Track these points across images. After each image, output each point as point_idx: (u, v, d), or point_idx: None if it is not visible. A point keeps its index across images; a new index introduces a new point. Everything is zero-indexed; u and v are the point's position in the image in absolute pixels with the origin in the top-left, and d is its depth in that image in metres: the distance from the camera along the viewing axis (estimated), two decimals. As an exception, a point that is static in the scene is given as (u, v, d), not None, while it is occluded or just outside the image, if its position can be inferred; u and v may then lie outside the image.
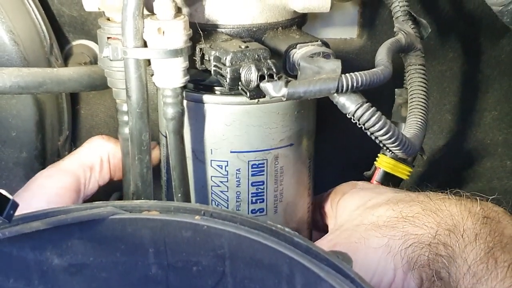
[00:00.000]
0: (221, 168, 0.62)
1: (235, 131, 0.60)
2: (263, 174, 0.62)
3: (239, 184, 0.62)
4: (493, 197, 0.57)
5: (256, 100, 0.56)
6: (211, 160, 0.62)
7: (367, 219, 0.58)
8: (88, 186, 0.64)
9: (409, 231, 0.54)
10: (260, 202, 0.63)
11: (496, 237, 0.52)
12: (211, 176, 0.62)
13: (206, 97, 0.59)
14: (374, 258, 0.54)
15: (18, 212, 0.45)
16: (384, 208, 0.58)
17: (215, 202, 0.63)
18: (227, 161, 0.61)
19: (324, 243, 0.58)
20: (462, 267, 0.51)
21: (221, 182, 0.62)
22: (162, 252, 0.46)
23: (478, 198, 0.56)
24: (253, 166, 0.61)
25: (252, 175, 0.61)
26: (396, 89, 0.69)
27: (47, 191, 0.61)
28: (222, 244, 0.44)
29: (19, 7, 0.66)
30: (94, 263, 0.46)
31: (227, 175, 0.62)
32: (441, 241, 0.53)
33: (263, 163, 0.61)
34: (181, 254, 0.45)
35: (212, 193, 0.63)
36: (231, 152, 0.61)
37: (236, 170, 0.61)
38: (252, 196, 0.62)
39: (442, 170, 0.81)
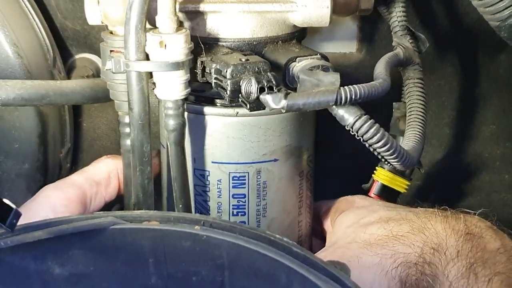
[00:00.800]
0: (203, 177, 0.62)
1: (216, 142, 0.60)
2: (244, 187, 0.62)
3: (220, 195, 0.62)
4: (479, 211, 0.58)
5: (236, 112, 0.58)
6: (194, 169, 0.62)
7: (359, 236, 0.58)
8: (94, 201, 0.65)
9: (399, 250, 0.55)
10: (241, 215, 0.63)
11: (477, 252, 0.53)
12: (194, 185, 0.63)
13: (189, 107, 0.60)
14: (368, 276, 0.55)
15: (25, 221, 0.46)
16: (376, 226, 0.59)
17: (198, 211, 0.63)
18: (209, 171, 0.62)
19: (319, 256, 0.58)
20: (444, 283, 0.52)
21: (203, 191, 0.63)
22: (162, 262, 0.46)
23: (463, 214, 0.57)
24: (234, 178, 0.61)
25: (233, 187, 0.62)
26: (394, 103, 0.70)
27: (53, 201, 0.61)
28: (221, 254, 0.44)
29: (23, 20, 0.67)
30: (95, 273, 0.47)
31: (208, 185, 0.62)
32: (426, 260, 0.53)
33: (244, 176, 0.61)
34: (181, 264, 0.46)
35: (195, 201, 0.63)
36: (212, 162, 0.61)
37: (217, 180, 0.62)
38: (233, 208, 0.62)
39: (440, 184, 0.81)
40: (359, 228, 0.60)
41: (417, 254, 0.54)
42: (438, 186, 0.68)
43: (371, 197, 0.70)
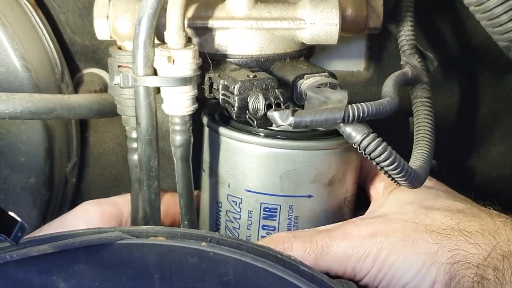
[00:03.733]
0: (236, 204, 0.62)
1: (251, 170, 0.60)
2: (275, 220, 0.61)
3: (250, 225, 0.62)
4: None
5: (271, 142, 0.59)
6: (228, 195, 0.62)
7: (419, 218, 0.56)
8: (129, 222, 0.65)
9: (461, 247, 0.53)
10: None
11: None
12: (227, 211, 0.63)
13: (226, 132, 0.60)
14: (417, 262, 0.53)
15: (61, 229, 0.46)
16: (441, 214, 0.56)
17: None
18: (241, 199, 0.62)
19: (364, 226, 0.56)
20: None
21: (234, 218, 0.63)
22: (167, 278, 0.46)
23: None
24: (266, 209, 0.61)
25: (264, 218, 0.61)
26: (410, 118, 0.70)
27: (90, 214, 0.62)
28: (228, 271, 0.44)
29: (32, 34, 0.67)
30: (100, 288, 0.46)
31: (240, 212, 0.62)
32: (492, 265, 0.51)
33: (276, 209, 0.61)
34: (187, 281, 0.46)
35: (226, 227, 0.63)
36: (245, 190, 0.61)
37: (249, 210, 0.62)
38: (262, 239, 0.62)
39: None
40: (421, 209, 0.58)
41: (483, 256, 0.52)
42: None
43: None
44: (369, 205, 0.64)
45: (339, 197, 0.63)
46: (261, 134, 0.60)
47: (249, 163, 0.60)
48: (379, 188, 0.65)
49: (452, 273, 0.52)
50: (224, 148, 0.61)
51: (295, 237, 0.56)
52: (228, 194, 0.62)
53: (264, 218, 0.61)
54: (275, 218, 0.61)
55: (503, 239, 0.53)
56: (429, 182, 0.63)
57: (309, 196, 0.61)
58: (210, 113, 0.64)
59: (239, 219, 0.62)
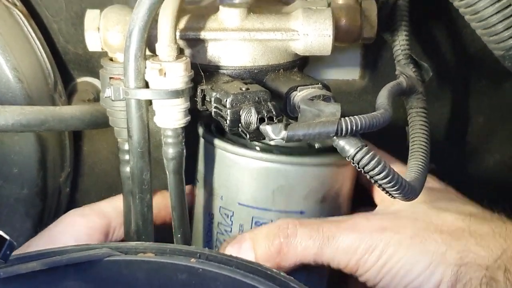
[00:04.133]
0: (227, 217, 0.62)
1: (243, 184, 0.60)
2: None
3: None
4: None
5: (264, 157, 0.59)
6: (220, 207, 0.62)
7: (430, 218, 0.56)
8: (118, 231, 0.64)
9: (471, 249, 0.52)
10: None
11: None
12: (218, 223, 0.63)
13: (220, 144, 0.60)
14: (424, 261, 0.53)
15: (47, 246, 0.45)
16: (453, 215, 0.56)
17: (218, 248, 0.63)
18: (233, 212, 0.61)
19: (373, 220, 0.56)
20: None
21: (225, 230, 0.62)
22: (157, 295, 0.45)
23: None
24: (257, 223, 0.61)
25: None
26: (406, 127, 0.69)
27: (77, 229, 0.61)
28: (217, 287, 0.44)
29: (24, 45, 0.67)
30: (89, 305, 0.46)
31: (231, 225, 0.62)
32: (502, 266, 0.51)
33: (267, 223, 0.61)
34: (176, 297, 0.45)
35: (216, 239, 0.63)
36: (238, 203, 0.61)
37: (240, 223, 0.61)
38: None
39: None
40: (432, 210, 0.57)
41: (493, 259, 0.51)
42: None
43: None
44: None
45: (332, 214, 0.62)
46: (255, 148, 0.60)
47: (242, 176, 0.60)
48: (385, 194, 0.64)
49: (459, 275, 0.52)
50: (218, 160, 0.61)
51: (301, 224, 0.56)
52: (220, 206, 0.62)
53: None
54: None
55: None
56: (441, 185, 0.63)
57: (301, 212, 0.61)
58: (207, 123, 0.64)
59: (230, 232, 0.62)
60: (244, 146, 0.60)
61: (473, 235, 0.53)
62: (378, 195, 0.65)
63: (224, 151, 0.61)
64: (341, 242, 0.55)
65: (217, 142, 0.61)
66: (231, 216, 0.62)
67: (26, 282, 0.44)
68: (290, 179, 0.59)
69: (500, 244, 0.52)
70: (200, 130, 0.63)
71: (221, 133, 0.62)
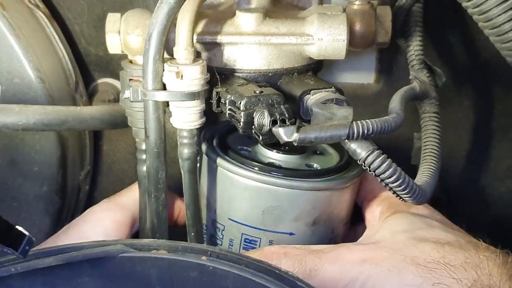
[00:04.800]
0: (219, 230, 0.63)
1: (235, 200, 0.61)
2: None
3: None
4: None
5: (257, 177, 0.59)
6: (213, 220, 0.63)
7: (408, 249, 0.56)
8: (138, 224, 0.66)
9: (444, 281, 0.53)
10: None
11: None
12: (210, 235, 0.64)
13: (222, 161, 0.61)
14: None
15: (78, 240, 0.47)
16: (430, 246, 0.56)
17: None
18: (224, 226, 0.62)
19: (355, 252, 0.56)
20: None
21: (217, 244, 0.63)
22: (169, 291, 0.47)
23: None
24: (246, 240, 0.61)
25: (244, 248, 0.62)
26: (415, 133, 0.70)
27: (105, 224, 0.63)
28: (227, 285, 0.45)
29: (46, 46, 0.69)
30: (103, 300, 0.47)
31: (222, 238, 0.63)
32: None
33: (256, 241, 0.61)
34: (188, 294, 0.46)
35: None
36: (229, 218, 0.62)
37: (230, 238, 0.62)
38: None
39: (455, 217, 0.81)
40: (411, 241, 0.57)
41: None
42: (453, 220, 0.67)
43: None
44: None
45: (323, 238, 0.63)
46: (250, 166, 0.60)
47: (234, 193, 0.61)
48: (376, 213, 0.65)
49: None
50: (212, 173, 0.62)
51: (286, 254, 0.56)
52: (213, 219, 0.63)
53: (244, 248, 0.62)
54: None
55: (484, 273, 0.53)
56: (426, 210, 0.64)
57: (291, 234, 0.61)
58: (210, 136, 0.65)
59: (221, 245, 0.63)
60: (237, 163, 0.60)
61: (447, 267, 0.54)
62: (368, 217, 0.66)
63: (220, 166, 0.61)
64: (323, 274, 0.55)
65: (214, 156, 0.62)
66: (222, 230, 0.63)
67: (42, 277, 0.46)
68: (281, 201, 0.60)
69: (472, 276, 0.53)
70: (203, 142, 0.64)
71: (223, 148, 0.63)
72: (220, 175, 0.61)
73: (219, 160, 0.61)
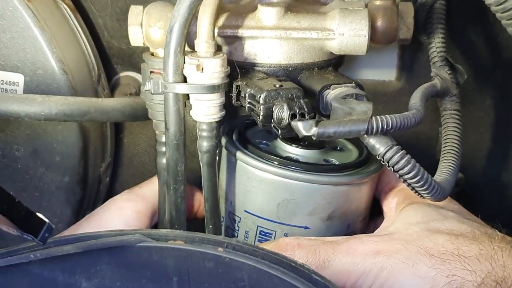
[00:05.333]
0: (234, 222, 0.63)
1: (251, 192, 0.61)
2: None
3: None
4: None
5: (273, 170, 0.59)
6: (229, 211, 0.64)
7: (422, 241, 0.56)
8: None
9: (458, 273, 0.53)
10: None
11: None
12: (226, 227, 0.64)
13: (238, 153, 0.61)
14: (415, 285, 0.53)
15: (98, 229, 0.48)
16: (444, 237, 0.56)
17: None
18: (240, 218, 0.63)
19: (368, 244, 0.56)
20: None
21: (232, 235, 0.64)
22: (185, 281, 0.47)
23: None
24: (261, 232, 0.62)
25: (259, 240, 0.62)
26: (440, 128, 0.69)
27: (126, 214, 0.64)
28: (243, 277, 0.45)
29: (70, 38, 0.70)
30: (121, 288, 0.48)
31: (237, 230, 0.63)
32: None
33: (271, 234, 0.61)
34: (203, 285, 0.47)
35: None
36: (244, 210, 0.62)
37: (246, 230, 0.62)
38: None
39: (476, 215, 0.80)
40: (425, 232, 0.57)
41: (477, 283, 0.52)
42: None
43: None
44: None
45: (338, 233, 0.62)
46: (263, 159, 0.60)
47: (250, 185, 0.61)
48: (392, 204, 0.65)
49: None
50: (229, 166, 0.63)
51: (300, 245, 0.56)
52: (229, 211, 0.64)
53: (259, 240, 0.62)
54: None
55: (498, 265, 0.53)
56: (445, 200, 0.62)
57: (306, 228, 0.61)
58: (230, 129, 0.65)
59: (237, 237, 0.63)
60: (254, 156, 0.61)
61: (461, 258, 0.54)
62: (385, 209, 0.66)
63: (237, 158, 0.61)
64: (336, 266, 0.55)
65: (231, 149, 0.62)
66: (238, 222, 0.63)
67: (61, 264, 0.46)
68: (296, 195, 0.60)
69: (486, 267, 0.53)
70: (222, 135, 0.64)
71: (242, 142, 0.63)
72: (237, 167, 0.62)
73: (236, 153, 0.61)
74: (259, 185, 0.60)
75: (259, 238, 0.62)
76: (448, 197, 0.63)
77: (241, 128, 0.66)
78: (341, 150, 0.67)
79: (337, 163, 0.63)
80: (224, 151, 0.64)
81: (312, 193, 0.60)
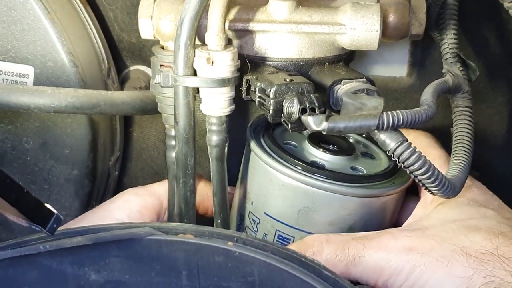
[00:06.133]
0: (254, 222, 0.62)
1: (273, 196, 0.60)
2: None
3: None
4: None
5: (301, 177, 0.58)
6: (249, 211, 0.63)
7: (458, 239, 0.54)
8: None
9: (497, 274, 0.51)
10: None
11: None
12: (246, 226, 0.64)
13: (263, 155, 0.60)
14: (450, 285, 0.52)
15: (101, 220, 0.47)
16: (482, 235, 0.55)
17: None
18: (260, 219, 0.62)
19: (401, 239, 0.55)
20: None
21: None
22: (194, 275, 0.47)
23: None
24: (280, 237, 0.61)
25: None
26: (451, 128, 0.69)
27: (131, 207, 0.63)
28: (253, 272, 0.45)
29: (80, 31, 0.70)
30: (130, 281, 0.48)
31: (256, 231, 0.62)
32: None
33: (290, 239, 0.60)
34: (213, 279, 0.47)
35: None
36: (265, 213, 0.61)
37: (264, 232, 0.62)
38: None
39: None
40: (462, 230, 0.56)
41: None
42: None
43: None
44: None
45: None
46: (286, 163, 0.59)
47: (271, 189, 0.60)
48: (427, 195, 0.62)
49: None
50: (253, 166, 0.62)
51: (328, 241, 0.56)
52: (249, 211, 0.63)
53: None
54: None
55: None
56: (482, 196, 0.62)
57: None
58: (256, 128, 0.64)
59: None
60: (280, 159, 0.59)
61: (501, 259, 0.52)
62: (421, 195, 0.64)
63: (260, 159, 0.60)
64: (367, 262, 0.54)
65: (256, 149, 0.61)
66: (257, 223, 0.62)
67: (70, 256, 0.46)
68: (317, 203, 0.59)
69: None
70: (249, 133, 0.63)
71: (268, 142, 0.62)
72: (260, 169, 0.61)
73: (261, 153, 0.60)
74: (281, 190, 0.59)
75: (277, 242, 0.61)
76: (490, 192, 0.62)
77: (270, 127, 0.64)
78: (372, 157, 0.65)
79: (364, 171, 0.62)
80: (247, 148, 0.63)
81: (333, 202, 0.58)
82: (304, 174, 0.58)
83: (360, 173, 0.61)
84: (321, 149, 0.62)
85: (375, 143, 0.60)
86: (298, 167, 0.59)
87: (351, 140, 0.67)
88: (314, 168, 0.59)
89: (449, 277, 0.52)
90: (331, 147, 0.63)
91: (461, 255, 0.53)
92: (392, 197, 0.61)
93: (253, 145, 0.62)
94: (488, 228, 0.55)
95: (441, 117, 0.73)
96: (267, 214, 0.61)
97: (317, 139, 0.63)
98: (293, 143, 0.64)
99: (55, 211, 0.42)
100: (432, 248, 0.54)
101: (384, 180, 0.61)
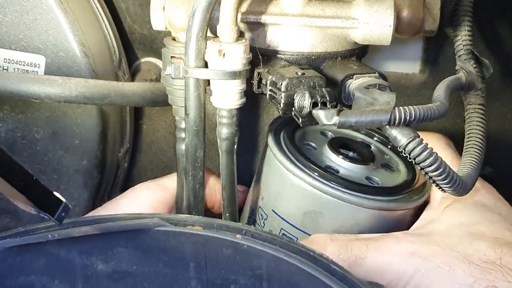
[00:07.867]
0: (262, 218, 0.62)
1: (282, 196, 0.60)
2: None
3: None
4: None
5: (311, 180, 0.57)
6: (259, 206, 0.63)
7: (462, 246, 0.54)
8: None
9: (498, 285, 0.51)
10: None
11: None
12: (254, 221, 0.64)
13: (278, 154, 0.60)
14: None
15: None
16: (486, 244, 0.54)
17: None
18: (267, 216, 0.62)
19: (404, 243, 0.55)
20: None
21: None
22: (202, 267, 0.47)
23: None
24: (283, 235, 0.60)
25: None
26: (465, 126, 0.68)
27: (143, 201, 0.64)
28: (261, 265, 0.45)
29: (92, 21, 0.69)
30: (137, 272, 0.48)
31: (263, 227, 0.62)
32: None
33: (293, 240, 0.59)
34: (221, 271, 0.46)
35: None
36: (272, 210, 0.61)
37: (270, 229, 0.62)
38: None
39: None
40: (467, 236, 0.55)
41: None
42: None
43: None
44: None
45: None
46: (299, 164, 0.59)
47: (281, 187, 0.60)
48: (437, 195, 0.62)
49: None
50: (269, 163, 0.62)
51: (332, 239, 0.55)
52: (259, 206, 0.63)
53: None
54: None
55: None
56: (491, 200, 0.61)
57: None
58: (278, 127, 0.64)
59: None
60: (293, 160, 0.59)
61: (503, 269, 0.51)
62: (431, 195, 0.63)
63: (275, 157, 0.60)
64: (369, 264, 0.54)
65: (273, 146, 0.61)
66: (265, 219, 0.62)
67: (78, 245, 0.46)
68: (324, 208, 0.58)
69: None
70: (269, 129, 0.63)
71: (286, 141, 0.62)
72: (274, 166, 0.60)
73: (276, 151, 0.60)
74: (291, 190, 0.59)
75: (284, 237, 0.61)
76: (499, 196, 0.61)
77: (291, 127, 0.64)
78: (391, 169, 0.64)
79: (379, 183, 0.61)
80: (266, 145, 0.63)
81: (340, 210, 0.58)
82: (314, 177, 0.58)
83: (373, 184, 0.60)
84: (338, 155, 0.61)
85: (399, 154, 0.59)
86: (309, 169, 0.58)
87: (373, 149, 0.66)
88: (325, 172, 0.58)
89: (451, 284, 0.52)
90: (350, 154, 0.63)
91: (463, 262, 0.53)
92: (402, 212, 0.60)
93: (270, 141, 0.61)
94: (494, 236, 0.55)
95: (453, 115, 0.73)
96: (274, 212, 0.61)
97: (338, 144, 0.63)
98: (312, 144, 0.63)
99: (63, 199, 0.42)
100: (435, 253, 0.54)
101: (395, 195, 0.60)
